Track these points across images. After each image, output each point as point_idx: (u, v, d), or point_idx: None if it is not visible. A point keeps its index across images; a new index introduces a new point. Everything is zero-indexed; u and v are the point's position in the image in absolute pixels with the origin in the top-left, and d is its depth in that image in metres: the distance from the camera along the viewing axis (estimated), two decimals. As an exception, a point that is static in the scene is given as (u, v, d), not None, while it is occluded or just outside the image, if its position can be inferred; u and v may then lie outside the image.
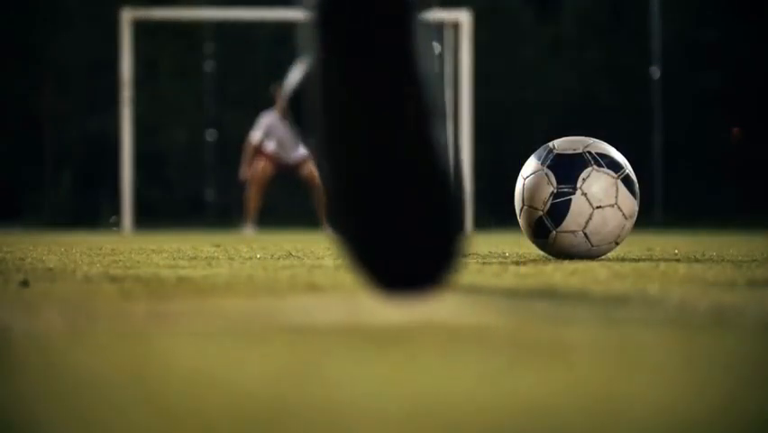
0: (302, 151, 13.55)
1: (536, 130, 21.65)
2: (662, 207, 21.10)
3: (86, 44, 22.13)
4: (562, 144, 3.75)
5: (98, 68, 21.97)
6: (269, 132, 13.49)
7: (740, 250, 4.72)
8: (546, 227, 3.68)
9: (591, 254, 3.71)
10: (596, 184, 3.67)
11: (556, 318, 1.72)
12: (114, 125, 16.70)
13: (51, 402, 0.98)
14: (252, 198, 13.51)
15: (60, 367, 1.19)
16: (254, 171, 13.48)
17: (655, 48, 21.54)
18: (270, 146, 13.59)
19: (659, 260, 3.63)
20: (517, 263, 3.36)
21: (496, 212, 20.76)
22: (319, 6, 1.83)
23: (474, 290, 2.24)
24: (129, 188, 14.68)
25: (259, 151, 13.56)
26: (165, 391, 1.04)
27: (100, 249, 4.74)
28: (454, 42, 15.24)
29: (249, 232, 13.09)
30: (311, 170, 13.54)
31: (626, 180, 3.71)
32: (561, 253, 3.72)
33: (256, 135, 13.52)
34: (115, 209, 16.63)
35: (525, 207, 3.72)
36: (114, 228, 13.40)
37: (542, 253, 3.85)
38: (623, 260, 3.69)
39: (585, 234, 3.66)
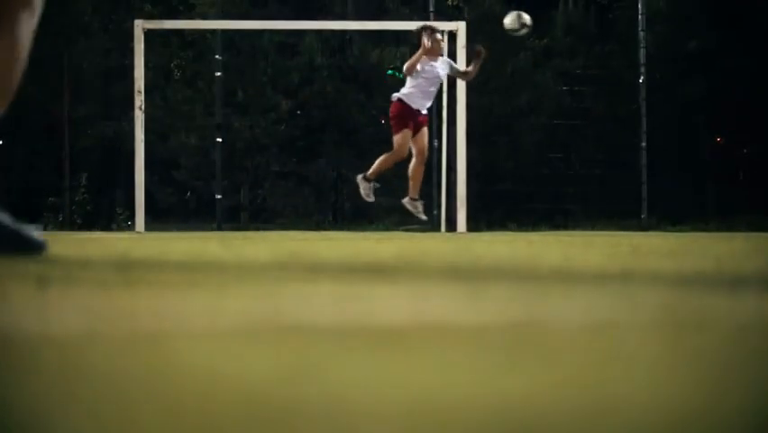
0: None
1: (526, 134, 21.67)
2: (647, 209, 21.13)
3: (102, 53, 22.14)
4: None
5: (113, 75, 21.98)
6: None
7: (722, 249, 4.71)
8: None
9: None
10: None
11: (548, 320, 1.71)
12: (129, 130, 16.68)
13: (65, 403, 0.97)
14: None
15: (74, 368, 1.18)
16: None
17: (641, 57, 21.58)
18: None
19: (645, 261, 3.62)
20: (513, 264, 3.36)
21: (488, 212, 20.77)
22: None
23: (473, 291, 2.22)
24: (142, 191, 14.68)
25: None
26: (174, 391, 1.02)
27: (114, 249, 4.73)
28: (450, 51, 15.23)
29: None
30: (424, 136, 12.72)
31: None
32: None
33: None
34: (129, 211, 16.60)
35: None
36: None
37: (536, 255, 3.84)
38: (610, 261, 3.68)
39: None
